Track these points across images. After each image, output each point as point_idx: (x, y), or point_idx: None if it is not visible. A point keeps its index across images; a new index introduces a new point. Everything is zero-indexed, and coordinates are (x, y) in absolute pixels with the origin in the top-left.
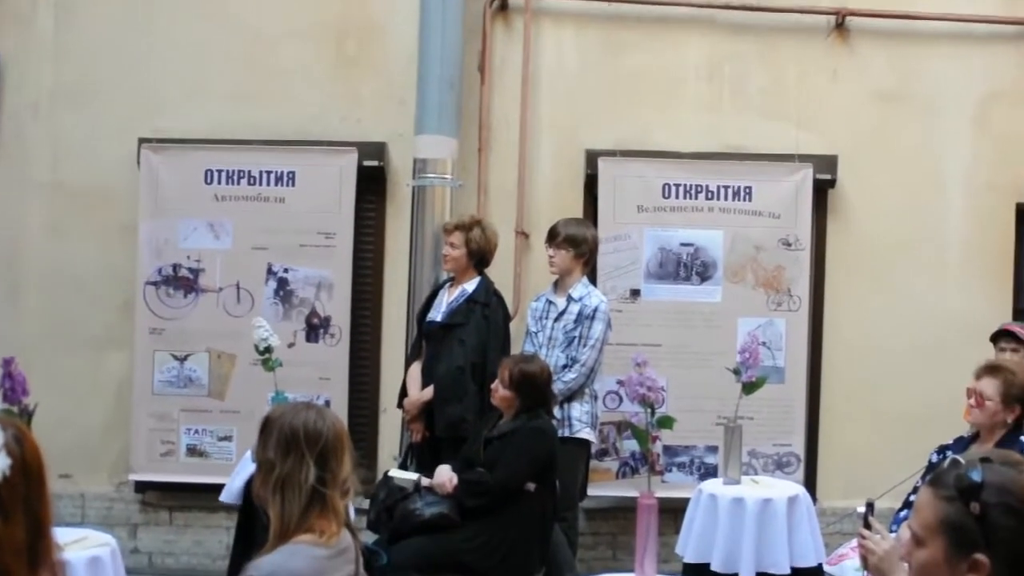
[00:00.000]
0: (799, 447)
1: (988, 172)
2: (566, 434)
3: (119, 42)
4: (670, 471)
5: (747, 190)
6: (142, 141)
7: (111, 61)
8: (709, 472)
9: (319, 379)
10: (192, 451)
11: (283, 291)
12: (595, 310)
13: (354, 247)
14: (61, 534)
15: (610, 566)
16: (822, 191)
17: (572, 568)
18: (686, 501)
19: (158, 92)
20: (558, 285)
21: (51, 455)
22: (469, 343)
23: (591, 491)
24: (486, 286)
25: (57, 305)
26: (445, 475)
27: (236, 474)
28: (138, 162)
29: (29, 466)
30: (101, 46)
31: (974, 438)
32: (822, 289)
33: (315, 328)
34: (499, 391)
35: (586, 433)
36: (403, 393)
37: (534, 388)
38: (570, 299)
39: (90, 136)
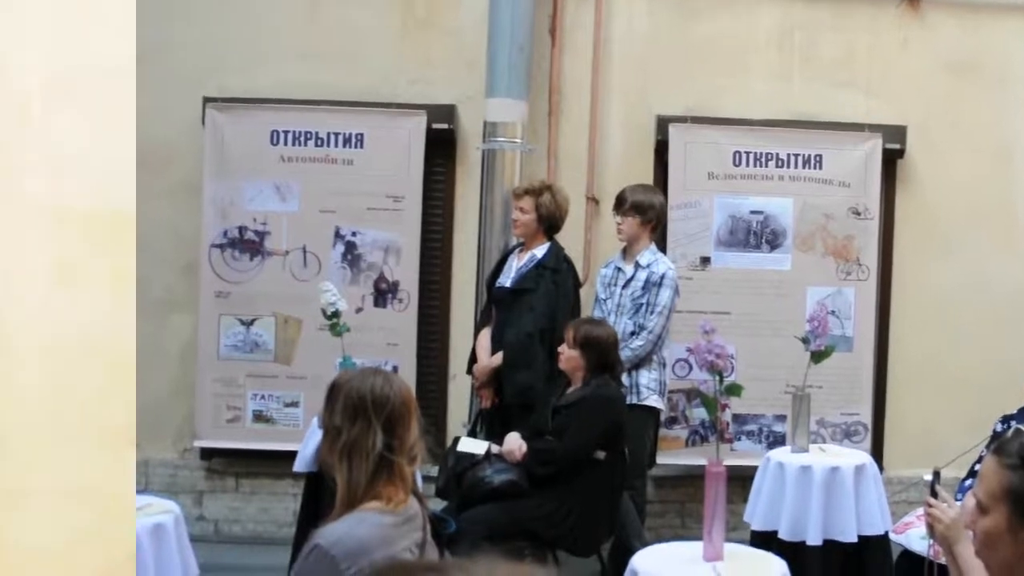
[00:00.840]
0: (866, 416)
1: None
2: (634, 401)
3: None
4: (739, 439)
5: (817, 158)
6: (207, 100)
7: (177, 19)
8: (777, 441)
9: (387, 344)
10: (258, 417)
11: (351, 255)
12: (662, 277)
13: (423, 211)
14: None
15: (679, 534)
16: (891, 161)
17: (640, 536)
18: (754, 469)
19: (224, 51)
20: (626, 252)
21: None
22: (538, 309)
23: (660, 459)
24: (556, 252)
25: None
26: (514, 443)
27: (307, 442)
28: (203, 122)
29: None
30: (167, 4)
31: None
32: (890, 259)
33: (383, 293)
34: (564, 352)
35: (654, 400)
36: (472, 359)
37: (599, 350)
38: (638, 266)
39: (155, 95)
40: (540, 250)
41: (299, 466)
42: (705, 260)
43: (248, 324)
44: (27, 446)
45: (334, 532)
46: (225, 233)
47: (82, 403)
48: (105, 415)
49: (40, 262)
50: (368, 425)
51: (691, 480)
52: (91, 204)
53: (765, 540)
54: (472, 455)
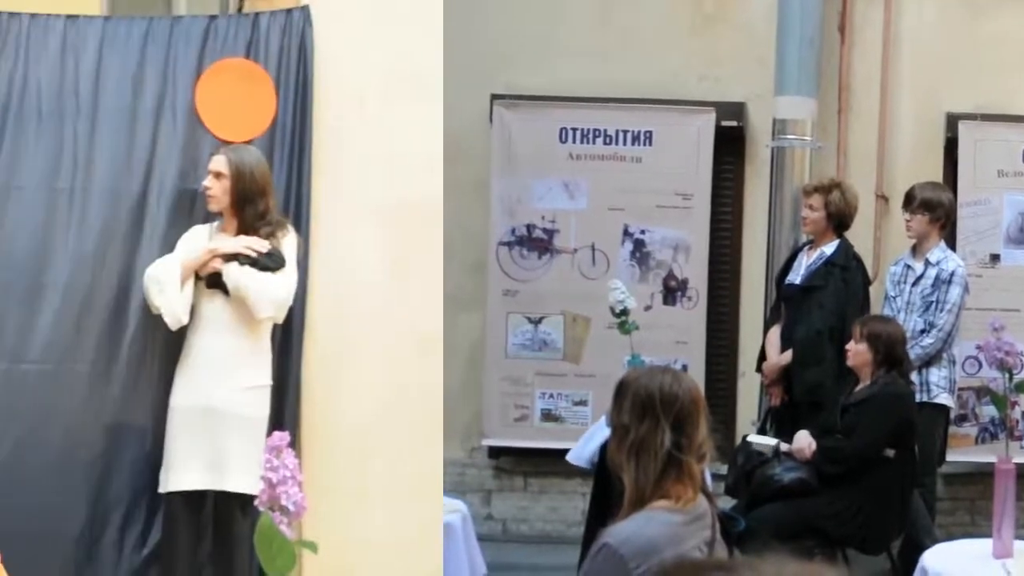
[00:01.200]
0: None
1: None
2: (924, 399)
3: None
4: None
5: None
6: (495, 97)
7: (466, 16)
8: None
9: (676, 343)
10: (547, 416)
11: (639, 253)
12: (952, 274)
13: (712, 209)
14: None
15: (969, 531)
16: None
17: (930, 534)
18: None
19: (513, 48)
20: (916, 249)
21: None
22: (828, 307)
23: (950, 456)
24: (845, 249)
25: None
26: (804, 440)
27: (588, 437)
28: (491, 119)
29: None
30: (455, 1)
31: None
32: None
33: (672, 291)
34: (852, 348)
35: (944, 398)
36: (762, 357)
37: (887, 346)
38: (927, 263)
39: (444, 92)
40: (829, 247)
41: (574, 458)
42: (995, 257)
43: (536, 322)
44: (365, 443)
45: (623, 531)
46: (513, 231)
47: (413, 399)
48: (428, 411)
49: (377, 258)
50: (656, 423)
51: (981, 478)
52: (418, 200)
53: None
54: (761, 453)
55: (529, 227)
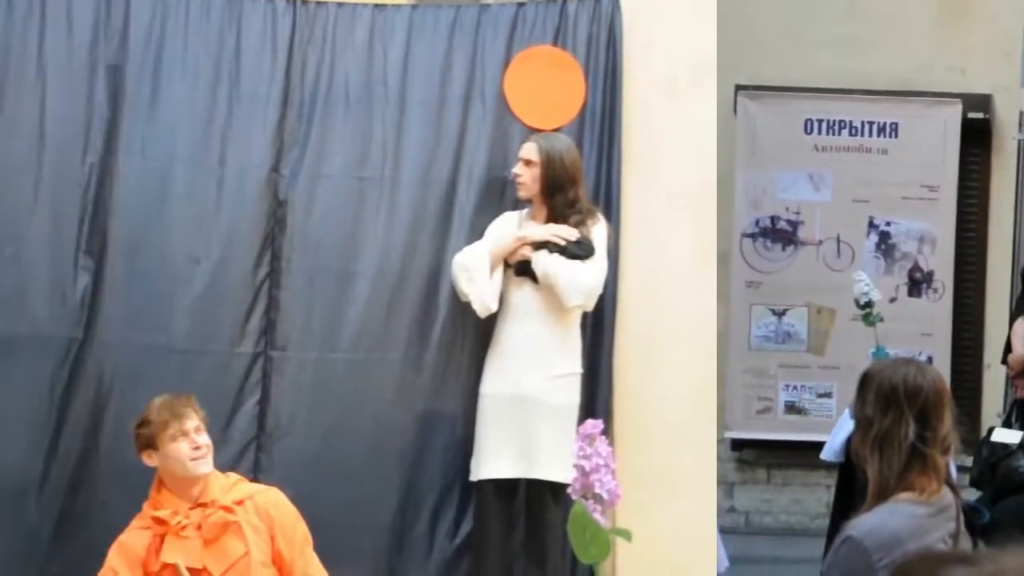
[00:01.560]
0: None
1: None
2: None
3: None
4: None
5: None
6: (739, 88)
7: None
8: None
9: (920, 335)
10: (790, 408)
11: (884, 245)
12: None
13: (958, 200)
14: None
15: None
16: None
17: None
18: None
19: (758, 39)
20: None
21: None
22: None
23: None
24: None
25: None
26: None
27: (837, 431)
28: (735, 110)
29: None
30: None
31: None
32: None
33: (917, 283)
34: None
35: None
36: (1007, 349)
37: None
38: None
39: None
40: None
41: (826, 454)
42: None
43: (780, 314)
44: (674, 431)
45: (866, 523)
46: (757, 222)
47: (712, 389)
48: (713, 401)
49: (682, 246)
50: (900, 416)
51: None
52: (710, 188)
53: None
54: (1006, 445)
55: (773, 219)
